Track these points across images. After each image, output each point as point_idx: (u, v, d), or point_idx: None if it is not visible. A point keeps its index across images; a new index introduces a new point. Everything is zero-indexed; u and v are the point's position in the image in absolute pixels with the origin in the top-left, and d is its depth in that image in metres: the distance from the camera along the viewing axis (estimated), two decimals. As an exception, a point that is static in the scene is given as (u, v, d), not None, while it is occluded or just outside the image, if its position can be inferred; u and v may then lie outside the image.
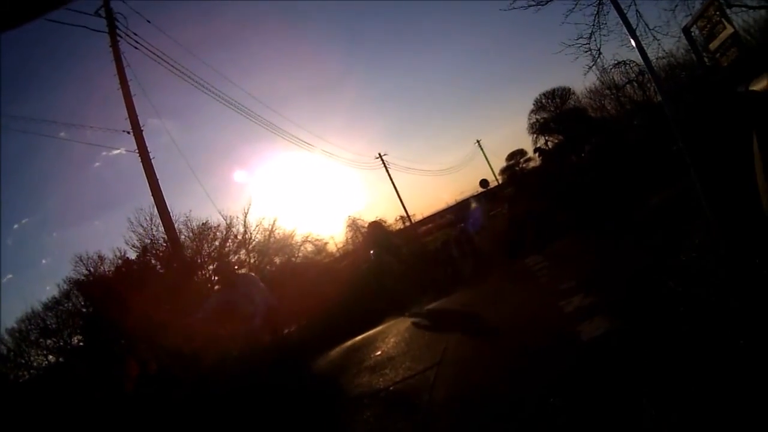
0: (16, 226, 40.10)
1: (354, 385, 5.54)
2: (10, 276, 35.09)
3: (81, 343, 14.84)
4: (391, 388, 4.91)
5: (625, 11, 6.38)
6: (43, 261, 36.59)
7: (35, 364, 14.88)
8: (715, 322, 3.09)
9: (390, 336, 7.18)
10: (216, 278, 6.46)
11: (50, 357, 15.05)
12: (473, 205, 13.72)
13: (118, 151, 24.80)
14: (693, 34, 5.12)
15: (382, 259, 8.88)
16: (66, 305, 15.36)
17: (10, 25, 2.06)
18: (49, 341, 15.21)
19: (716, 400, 2.33)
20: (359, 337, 8.11)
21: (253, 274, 6.47)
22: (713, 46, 4.54)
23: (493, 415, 3.38)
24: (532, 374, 3.67)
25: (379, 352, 6.49)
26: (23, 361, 14.86)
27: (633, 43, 5.81)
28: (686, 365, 2.73)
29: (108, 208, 42.75)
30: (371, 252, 9.52)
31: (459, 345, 5.45)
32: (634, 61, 15.33)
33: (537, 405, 3.13)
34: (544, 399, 3.13)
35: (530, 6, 9.69)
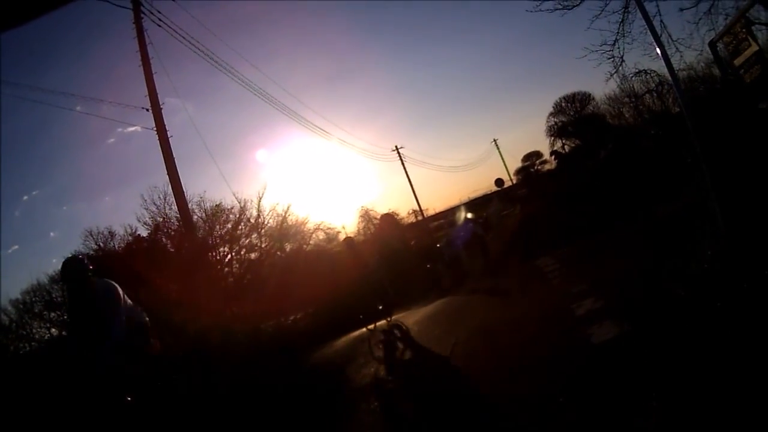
0: (25, 197, 40.38)
1: (362, 375, 5.63)
2: (16, 247, 35.42)
3: (85, 318, 14.90)
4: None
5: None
6: (51, 234, 36.77)
7: (37, 336, 14.96)
8: (721, 327, 3.16)
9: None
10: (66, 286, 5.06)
11: (53, 330, 15.12)
12: (462, 217, 13.44)
13: (133, 128, 24.80)
14: (718, 48, 5.16)
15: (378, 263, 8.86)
16: (73, 279, 15.35)
17: (10, 24, 2.06)
18: (53, 314, 15.24)
19: (721, 401, 2.41)
20: (366, 329, 8.23)
21: (113, 282, 4.55)
22: (738, 62, 4.59)
23: (502, 411, 3.47)
24: (543, 373, 3.72)
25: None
26: (24, 333, 14.96)
27: (658, 51, 5.77)
28: (693, 369, 2.80)
29: (120, 185, 43.00)
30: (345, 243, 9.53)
31: (469, 341, 5.46)
32: (654, 71, 15.26)
33: (547, 403, 3.21)
34: (554, 398, 3.20)
35: (557, 9, 9.65)
